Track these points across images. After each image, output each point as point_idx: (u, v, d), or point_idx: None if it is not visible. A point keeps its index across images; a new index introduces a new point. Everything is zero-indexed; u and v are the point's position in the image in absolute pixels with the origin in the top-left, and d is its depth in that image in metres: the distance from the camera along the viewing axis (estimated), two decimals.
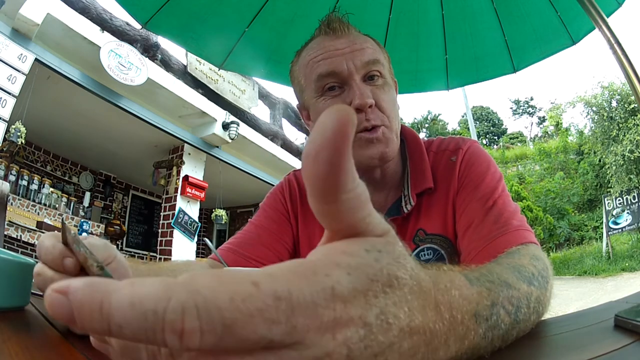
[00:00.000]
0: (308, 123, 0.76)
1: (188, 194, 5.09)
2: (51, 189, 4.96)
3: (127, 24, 4.33)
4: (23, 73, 3.39)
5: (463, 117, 34.81)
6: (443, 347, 0.23)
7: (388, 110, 0.66)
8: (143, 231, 7.05)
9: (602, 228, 9.83)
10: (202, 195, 5.29)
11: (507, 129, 35.91)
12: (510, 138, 31.67)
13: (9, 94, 3.29)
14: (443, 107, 54.84)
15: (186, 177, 5.13)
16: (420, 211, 0.71)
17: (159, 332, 0.14)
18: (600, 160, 11.76)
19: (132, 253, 6.53)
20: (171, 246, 4.90)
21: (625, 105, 10.49)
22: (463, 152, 0.72)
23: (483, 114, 35.85)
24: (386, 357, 0.18)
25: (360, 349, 0.17)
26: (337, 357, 0.17)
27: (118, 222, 6.11)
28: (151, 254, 6.24)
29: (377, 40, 0.73)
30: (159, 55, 4.82)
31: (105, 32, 3.97)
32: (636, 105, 8.60)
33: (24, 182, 4.64)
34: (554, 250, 11.38)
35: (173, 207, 5.05)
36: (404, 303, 0.19)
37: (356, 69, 0.65)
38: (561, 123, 16.17)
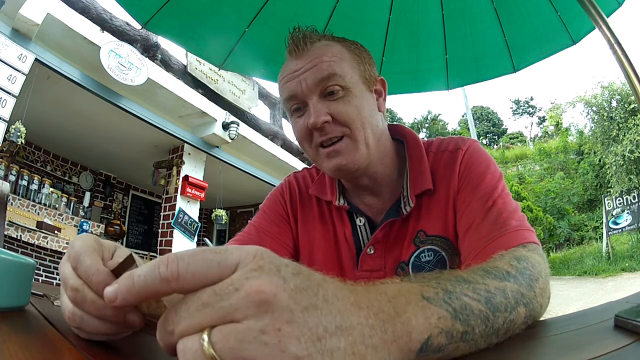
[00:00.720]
0: None
1: (188, 194, 5.08)
2: (51, 189, 4.95)
3: (127, 24, 4.32)
4: (23, 73, 3.39)
5: (463, 117, 34.80)
6: (392, 323, 0.27)
7: (349, 120, 0.67)
8: (143, 231, 7.04)
9: (602, 228, 9.84)
10: (202, 195, 5.28)
11: (507, 129, 35.92)
12: (510, 138, 31.66)
13: (9, 94, 3.28)
14: (443, 107, 54.88)
15: (186, 177, 5.13)
16: (421, 212, 0.71)
17: None
18: (600, 160, 11.76)
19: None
20: (171, 246, 4.89)
21: (625, 105, 10.50)
22: (463, 152, 0.71)
23: (483, 114, 35.84)
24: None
25: None
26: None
27: (118, 222, 6.11)
28: (151, 254, 6.24)
29: (345, 43, 0.72)
30: (159, 55, 4.81)
31: (105, 32, 3.96)
32: (636, 105, 8.60)
33: (24, 182, 4.63)
34: (554, 250, 11.38)
35: (173, 207, 5.05)
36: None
37: (309, 88, 0.67)
38: (561, 123, 16.18)
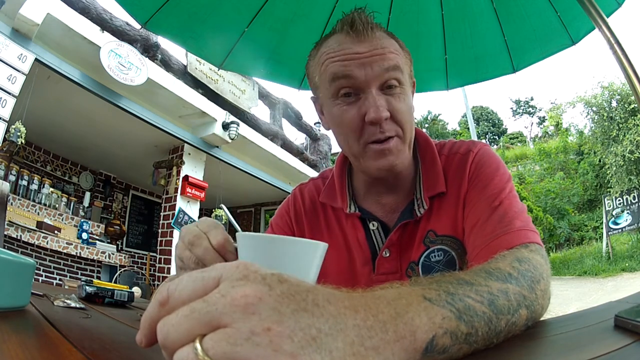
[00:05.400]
0: (321, 117, 0.75)
1: (188, 194, 5.08)
2: (51, 189, 4.95)
3: (127, 24, 4.32)
4: (23, 73, 3.38)
5: (463, 117, 34.76)
6: (393, 323, 0.27)
7: (403, 121, 0.65)
8: (143, 231, 7.04)
9: (602, 228, 9.83)
10: (202, 195, 5.28)
11: (507, 129, 35.88)
12: (511, 138, 31.64)
13: (9, 94, 3.28)
14: (443, 107, 54.86)
15: (186, 177, 5.12)
16: (432, 213, 0.71)
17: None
18: (600, 161, 11.76)
19: (132, 253, 6.52)
20: (171, 246, 4.89)
21: (625, 105, 10.49)
22: (473, 154, 0.72)
23: (483, 114, 35.81)
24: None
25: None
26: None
27: (118, 222, 6.10)
28: (151, 254, 6.23)
29: (400, 40, 0.70)
30: (159, 55, 4.81)
31: (105, 32, 3.96)
32: (636, 105, 8.60)
33: (24, 182, 4.63)
34: (554, 250, 11.39)
35: (173, 207, 5.05)
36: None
37: (374, 76, 0.63)
38: (561, 123, 16.17)
